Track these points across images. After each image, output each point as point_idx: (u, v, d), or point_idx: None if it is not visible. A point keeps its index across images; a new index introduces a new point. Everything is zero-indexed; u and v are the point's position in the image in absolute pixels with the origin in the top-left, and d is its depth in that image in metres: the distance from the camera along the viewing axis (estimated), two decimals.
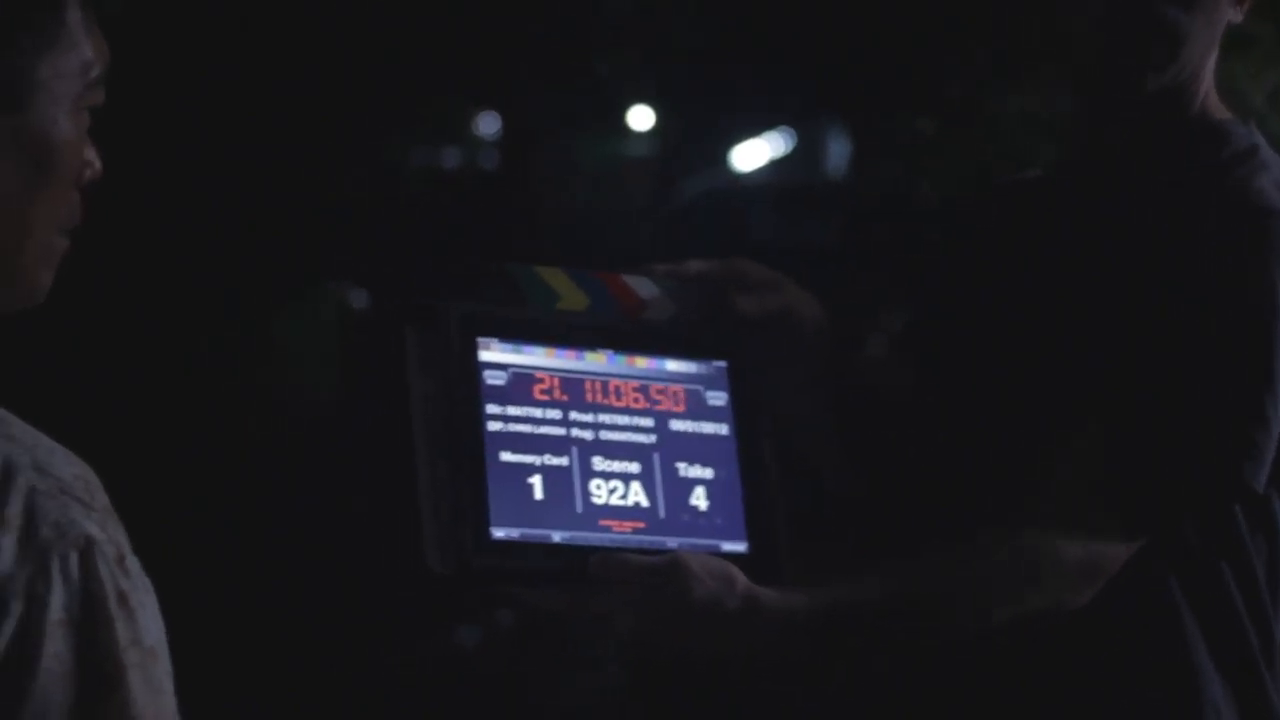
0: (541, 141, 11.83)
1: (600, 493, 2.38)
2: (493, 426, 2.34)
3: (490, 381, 2.43)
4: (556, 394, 2.46)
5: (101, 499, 0.90)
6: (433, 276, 2.69)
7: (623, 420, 2.48)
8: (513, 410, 2.42)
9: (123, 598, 0.87)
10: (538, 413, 2.44)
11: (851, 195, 10.35)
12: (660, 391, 2.56)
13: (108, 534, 0.89)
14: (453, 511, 2.26)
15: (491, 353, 2.48)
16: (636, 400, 2.52)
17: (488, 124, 14.14)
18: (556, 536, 2.29)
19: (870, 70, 13.56)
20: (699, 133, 16.09)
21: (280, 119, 7.32)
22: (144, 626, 0.87)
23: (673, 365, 2.62)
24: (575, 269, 2.79)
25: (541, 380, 2.49)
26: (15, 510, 0.89)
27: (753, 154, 17.76)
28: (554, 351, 2.56)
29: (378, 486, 2.43)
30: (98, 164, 1.07)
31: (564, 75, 12.01)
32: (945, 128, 13.49)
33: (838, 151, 15.60)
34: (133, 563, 0.92)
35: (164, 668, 0.88)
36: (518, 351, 2.50)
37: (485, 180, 11.77)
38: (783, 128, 17.32)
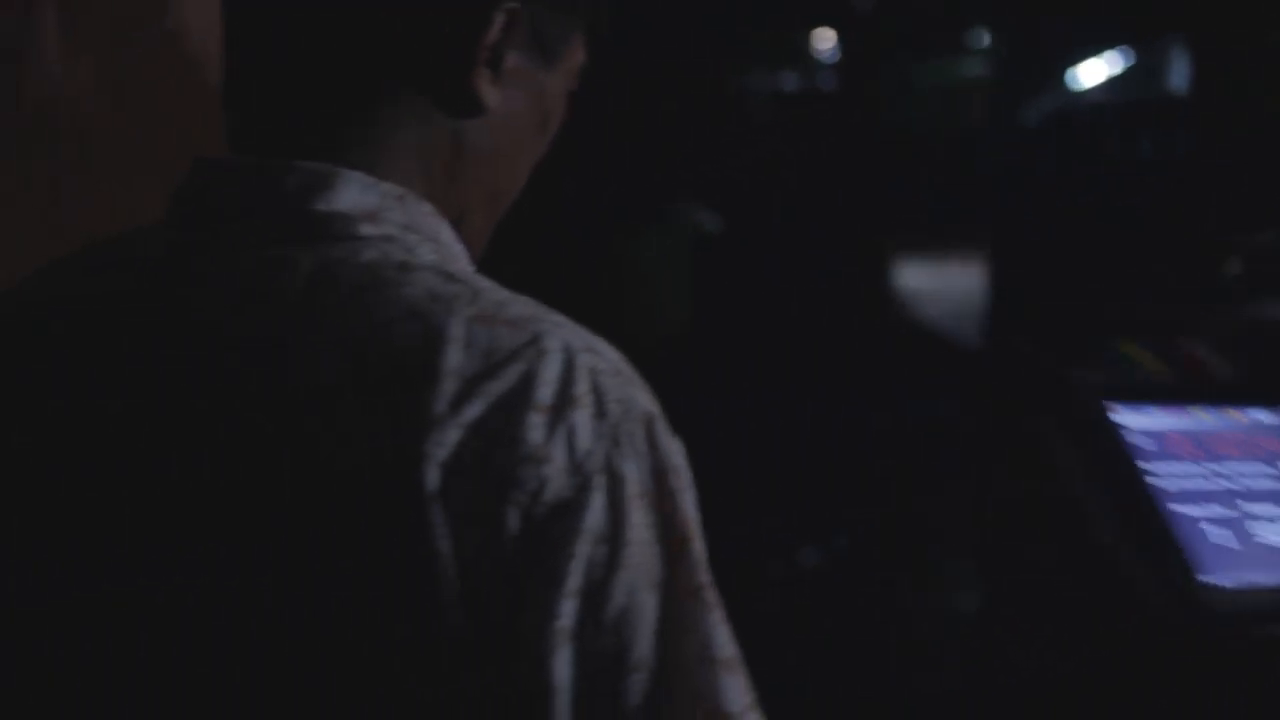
0: (879, 63, 11.76)
1: (1268, 533, 2.45)
2: (1153, 481, 2.48)
3: (1131, 440, 2.53)
4: (1189, 449, 2.55)
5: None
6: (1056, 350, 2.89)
7: (1249, 469, 2.55)
8: (1159, 466, 2.51)
9: (680, 470, 0.95)
10: (1181, 468, 2.52)
11: (1195, 111, 10.12)
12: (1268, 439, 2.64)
13: (657, 409, 0.95)
14: (1142, 556, 2.35)
15: (1121, 415, 2.59)
16: (1254, 449, 2.60)
17: (826, 47, 14.09)
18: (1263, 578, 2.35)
19: None
20: (1035, 52, 15.85)
21: (631, 53, 7.40)
22: (693, 498, 1.06)
23: (1260, 415, 2.70)
24: (1143, 340, 2.97)
25: (1173, 439, 2.58)
26: (584, 389, 0.92)
27: (1091, 72, 17.48)
28: (1172, 410, 2.65)
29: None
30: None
31: None
32: None
33: (1178, 68, 15.28)
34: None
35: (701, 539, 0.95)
36: (1143, 413, 2.60)
37: (825, 102, 11.74)
38: (1120, 46, 17.03)
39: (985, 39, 16.76)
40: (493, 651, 0.90)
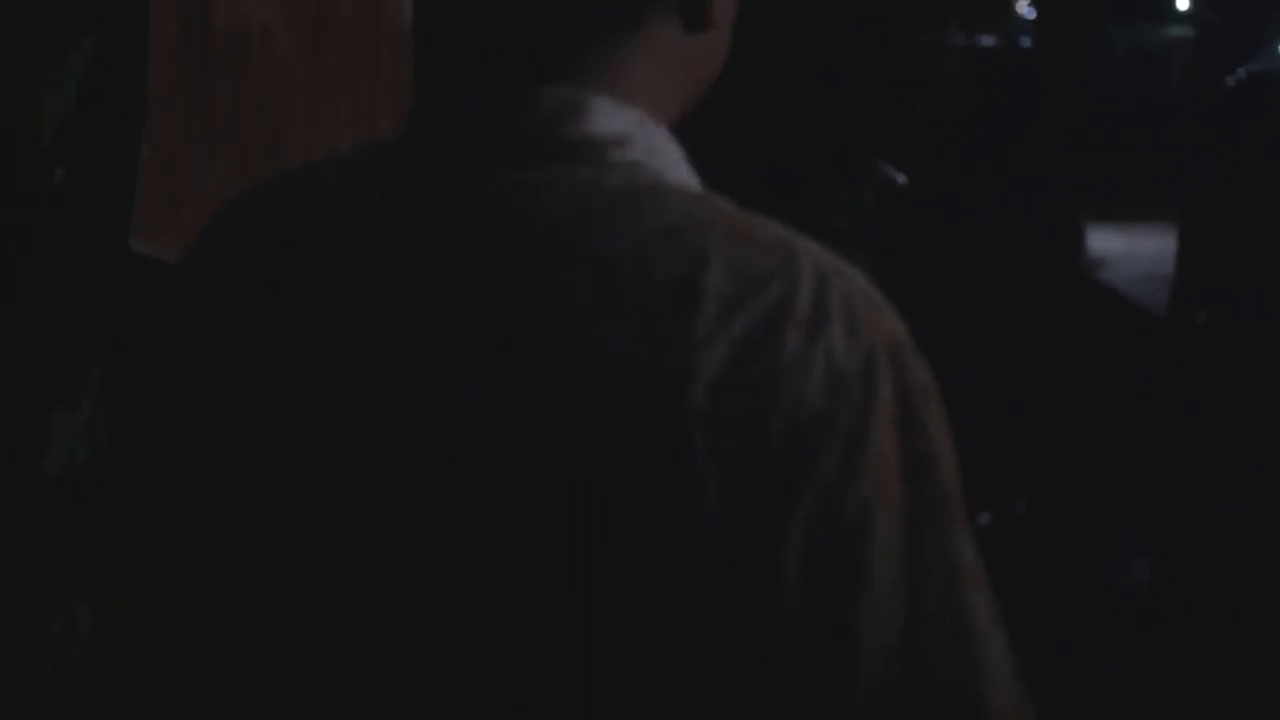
0: (1077, 22, 11.61)
1: None
2: None
3: None
4: None
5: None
6: None
7: None
8: None
9: (928, 390, 0.99)
10: None
11: None
12: None
13: (904, 331, 1.00)
14: None
15: None
16: None
17: (1026, 6, 13.95)
18: None
19: None
20: (1241, 16, 15.57)
21: (820, 5, 7.35)
22: (943, 417, 0.99)
23: None
24: None
25: None
26: (837, 308, 0.96)
27: None
28: None
29: None
30: None
31: None
32: None
33: None
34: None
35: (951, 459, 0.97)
36: None
37: (1025, 61, 11.60)
38: None
39: (1190, 1, 16.51)
40: (740, 561, 0.93)
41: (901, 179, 9.12)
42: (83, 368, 2.13)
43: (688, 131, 1.10)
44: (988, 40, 11.80)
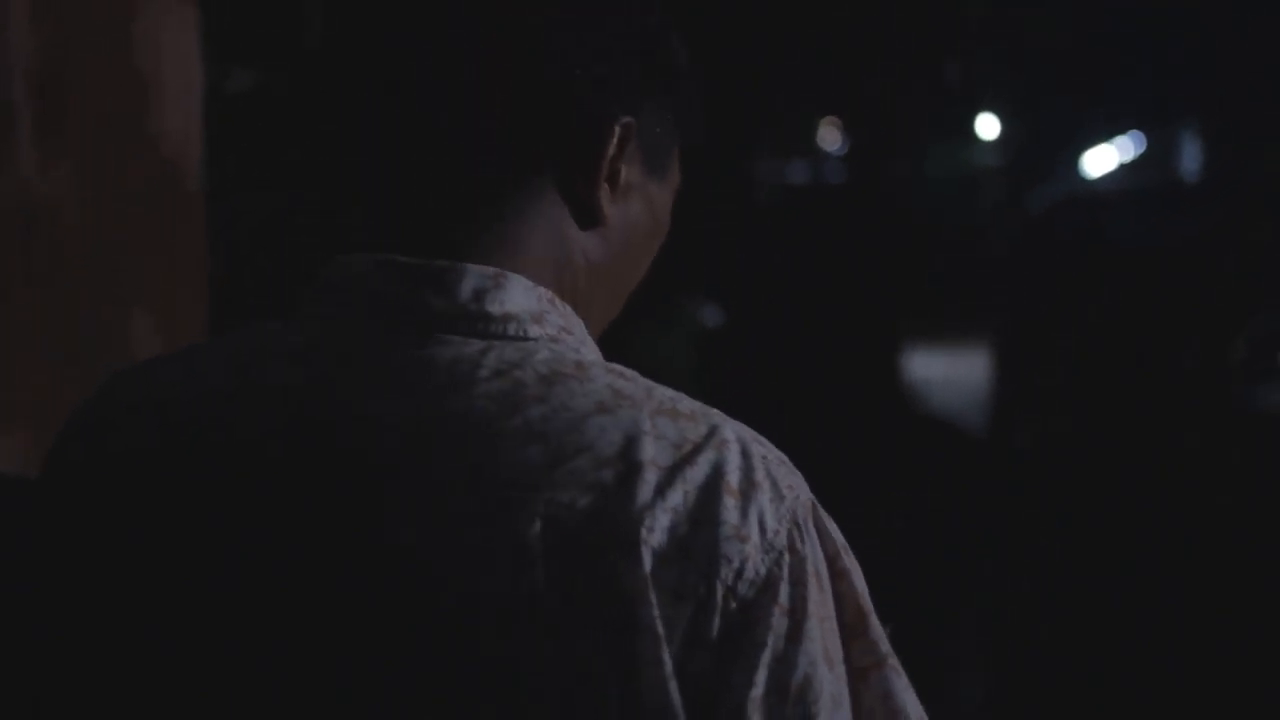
0: (887, 153, 11.78)
1: None
2: None
3: None
4: None
5: None
6: None
7: None
8: None
9: (846, 549, 1.05)
10: None
11: (1209, 196, 10.11)
12: None
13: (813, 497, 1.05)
14: None
15: None
16: None
17: (833, 137, 14.15)
18: None
19: (1227, 70, 13.28)
20: (1046, 140, 15.89)
21: None
22: (860, 575, 1.06)
23: None
24: None
25: None
26: (761, 475, 1.01)
27: (1102, 159, 17.53)
28: None
29: None
30: None
31: (910, 85, 11.95)
32: None
33: (1191, 154, 15.32)
34: None
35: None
36: None
37: (833, 193, 11.76)
38: (1132, 132, 17.08)
39: (995, 127, 16.83)
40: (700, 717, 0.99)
41: (716, 316, 9.21)
42: None
43: None
44: (798, 172, 11.97)
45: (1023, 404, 8.60)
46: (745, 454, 1.02)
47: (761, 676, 0.99)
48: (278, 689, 1.03)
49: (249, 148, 3.78)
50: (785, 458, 1.05)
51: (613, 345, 1.16)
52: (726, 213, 9.64)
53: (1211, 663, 5.19)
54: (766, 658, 0.99)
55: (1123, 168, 16.90)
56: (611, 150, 1.11)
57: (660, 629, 0.98)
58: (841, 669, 1.02)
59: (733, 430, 1.04)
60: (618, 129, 1.11)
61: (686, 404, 1.05)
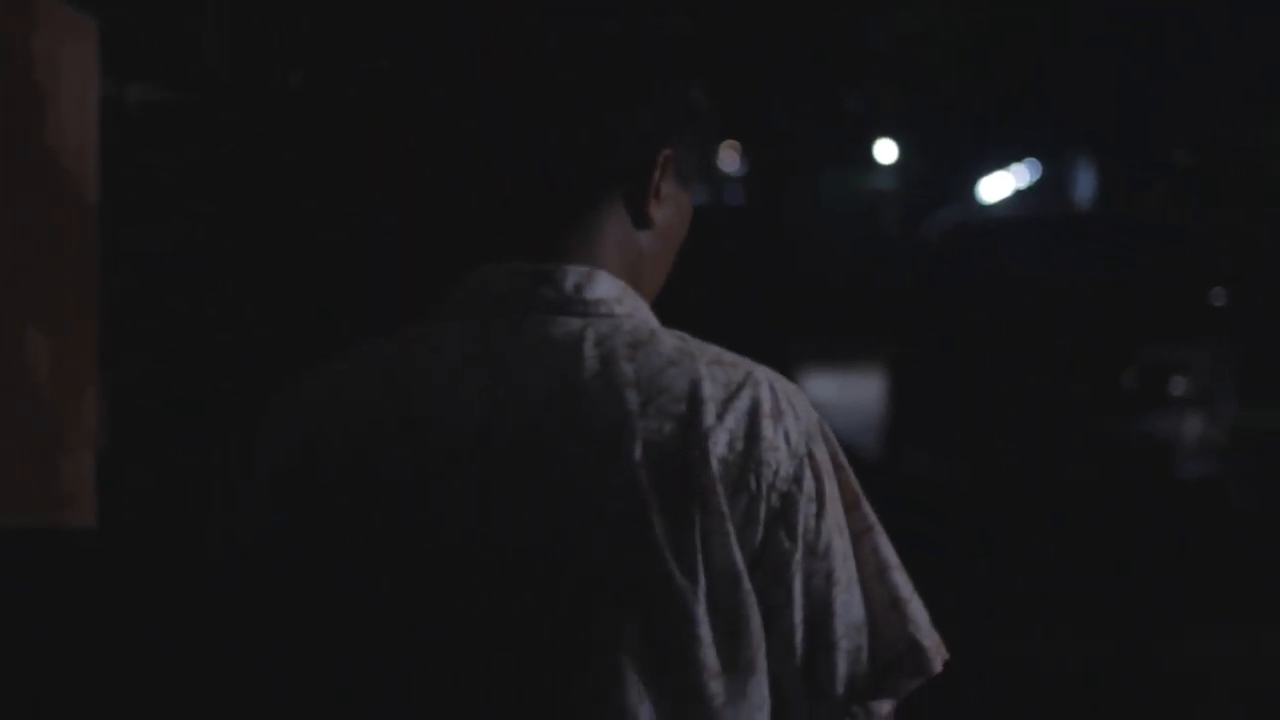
0: (786, 176, 11.84)
1: None
2: None
3: None
4: None
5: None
6: None
7: None
8: None
9: (841, 451, 1.50)
10: None
11: (1103, 223, 10.22)
12: None
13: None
14: None
15: None
16: None
17: (732, 160, 14.20)
18: None
19: (1122, 103, 13.43)
20: (944, 165, 16.01)
21: None
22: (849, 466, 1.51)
23: None
24: None
25: None
26: (785, 403, 1.46)
27: (999, 185, 17.69)
28: None
29: None
30: None
31: (809, 110, 12.03)
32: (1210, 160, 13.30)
33: (1085, 183, 15.49)
34: None
35: None
36: None
37: (731, 216, 11.81)
38: (1028, 160, 17.25)
39: (893, 152, 16.95)
40: (756, 574, 1.43)
41: None
42: None
43: None
44: (696, 194, 11.97)
45: (914, 428, 8.67)
46: (773, 389, 1.46)
47: (800, 543, 1.44)
48: (489, 584, 1.42)
49: (148, 162, 3.79)
50: (799, 390, 1.50)
51: None
52: None
53: (1092, 691, 5.25)
54: (800, 529, 1.44)
55: (1018, 194, 17.08)
56: (659, 175, 1.52)
57: (725, 509, 1.42)
58: (847, 534, 1.47)
59: (763, 373, 1.47)
60: (661, 159, 1.53)
61: (729, 356, 1.51)
